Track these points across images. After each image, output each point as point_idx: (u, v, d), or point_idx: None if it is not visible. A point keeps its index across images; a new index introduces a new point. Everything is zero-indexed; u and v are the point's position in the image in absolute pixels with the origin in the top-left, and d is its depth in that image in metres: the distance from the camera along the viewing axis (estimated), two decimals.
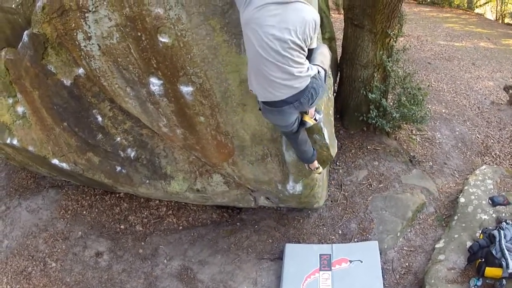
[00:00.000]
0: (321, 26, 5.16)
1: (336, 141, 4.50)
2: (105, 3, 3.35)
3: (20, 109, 4.85)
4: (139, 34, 3.40)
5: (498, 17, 17.99)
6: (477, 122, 7.57)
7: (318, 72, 2.92)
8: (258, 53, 2.64)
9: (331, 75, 4.54)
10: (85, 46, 3.73)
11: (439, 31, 12.62)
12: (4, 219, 5.93)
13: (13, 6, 4.07)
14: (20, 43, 4.16)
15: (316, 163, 4.11)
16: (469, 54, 10.69)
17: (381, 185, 6.07)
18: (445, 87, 8.66)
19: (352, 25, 5.99)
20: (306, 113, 3.58)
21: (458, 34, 12.46)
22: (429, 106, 7.46)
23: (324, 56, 3.07)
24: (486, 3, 19.41)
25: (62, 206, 6.03)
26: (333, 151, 4.27)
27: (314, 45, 2.91)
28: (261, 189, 4.89)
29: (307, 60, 2.85)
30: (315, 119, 3.67)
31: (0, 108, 4.86)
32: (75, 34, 3.68)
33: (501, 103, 8.14)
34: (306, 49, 2.76)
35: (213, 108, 3.78)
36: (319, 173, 4.41)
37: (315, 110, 3.72)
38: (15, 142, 5.04)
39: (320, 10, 5.37)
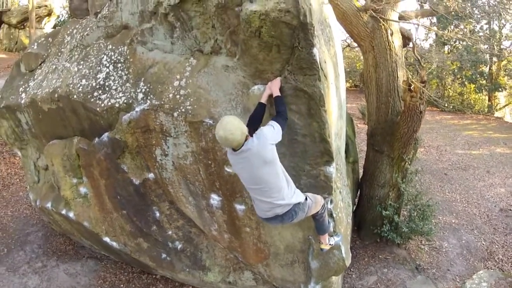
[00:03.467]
0: (346, 151, 6.11)
1: (350, 254, 5.14)
2: (185, 134, 4.16)
3: (82, 189, 5.48)
4: (209, 162, 4.22)
5: None
6: (484, 230, 8.13)
7: (306, 199, 3.70)
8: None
9: (350, 204, 5.31)
10: (160, 160, 4.51)
11: (458, 139, 13.36)
12: (40, 275, 6.32)
13: (98, 109, 4.60)
14: (98, 139, 4.86)
15: (326, 239, 4.40)
16: (484, 161, 11.38)
17: None
18: (458, 197, 9.32)
19: (373, 150, 6.93)
20: (320, 242, 4.33)
21: (476, 141, 13.16)
22: (440, 217, 8.13)
23: (317, 201, 3.86)
24: (505, 105, 20.06)
25: (100, 276, 6.48)
26: (348, 262, 4.92)
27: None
28: (285, 287, 5.46)
29: (294, 193, 3.59)
30: (330, 244, 4.38)
31: (63, 184, 5.54)
32: (153, 149, 4.46)
33: (510, 209, 8.75)
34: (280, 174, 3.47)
35: (258, 223, 4.54)
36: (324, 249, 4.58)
37: (331, 235, 4.44)
38: (71, 215, 5.64)
39: (347, 137, 6.28)
